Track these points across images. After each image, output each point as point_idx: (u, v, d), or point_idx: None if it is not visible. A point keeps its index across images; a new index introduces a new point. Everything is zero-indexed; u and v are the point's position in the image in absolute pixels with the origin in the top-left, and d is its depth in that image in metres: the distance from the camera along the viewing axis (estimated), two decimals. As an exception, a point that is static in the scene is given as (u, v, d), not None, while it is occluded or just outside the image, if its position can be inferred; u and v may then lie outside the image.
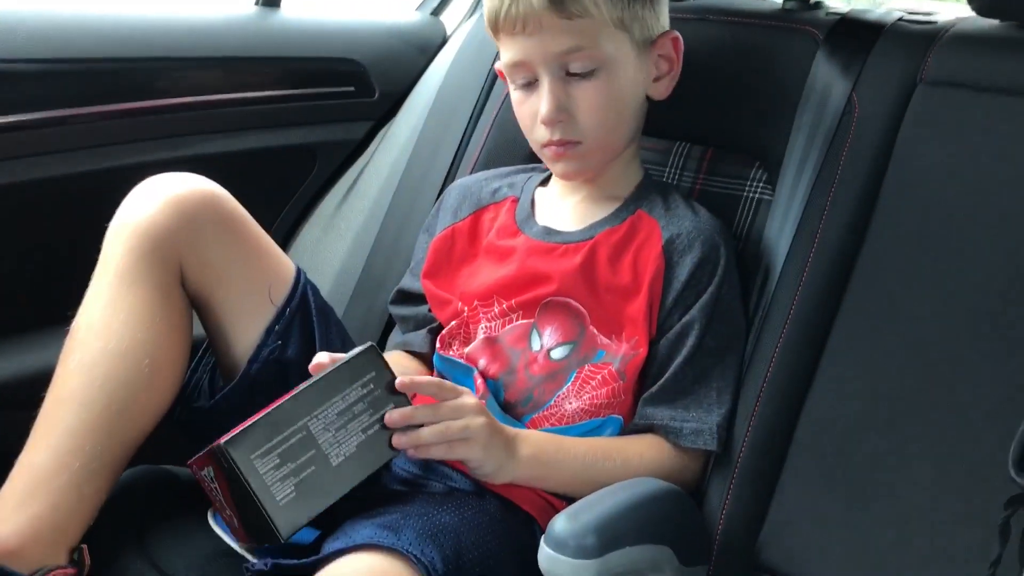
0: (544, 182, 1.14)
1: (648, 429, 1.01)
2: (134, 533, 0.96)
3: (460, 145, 1.30)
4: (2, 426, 0.94)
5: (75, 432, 0.90)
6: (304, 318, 1.03)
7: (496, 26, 1.02)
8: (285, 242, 1.43)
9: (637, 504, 0.88)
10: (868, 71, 1.05)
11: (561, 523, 0.82)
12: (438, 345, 1.10)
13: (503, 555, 0.90)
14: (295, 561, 0.85)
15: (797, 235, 1.03)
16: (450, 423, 0.90)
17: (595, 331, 1.03)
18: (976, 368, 0.91)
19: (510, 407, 1.03)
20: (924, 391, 0.93)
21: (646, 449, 1.00)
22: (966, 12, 1.06)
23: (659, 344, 1.02)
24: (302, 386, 0.87)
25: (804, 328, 0.99)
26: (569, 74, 1.01)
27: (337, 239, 1.37)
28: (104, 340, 0.93)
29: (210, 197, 0.99)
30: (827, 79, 1.07)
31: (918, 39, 1.05)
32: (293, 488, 0.84)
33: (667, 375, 1.01)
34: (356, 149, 1.47)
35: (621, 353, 1.02)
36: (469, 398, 0.93)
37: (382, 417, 0.89)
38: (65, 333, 0.95)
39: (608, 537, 0.82)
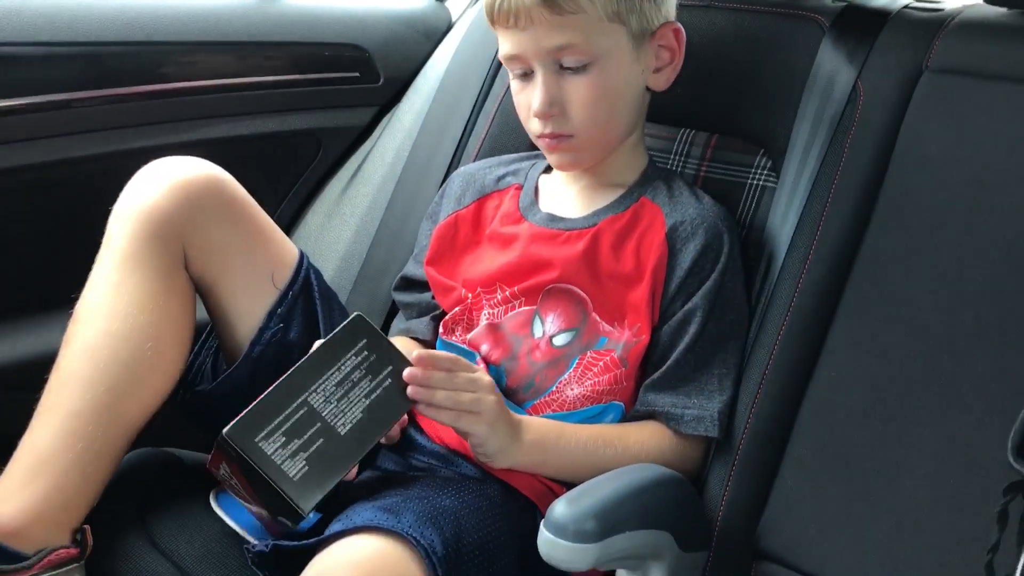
0: (548, 169, 1.14)
1: (649, 416, 1.02)
2: (136, 514, 0.96)
3: (464, 131, 1.30)
4: (6, 408, 0.94)
5: (78, 414, 0.90)
6: (307, 302, 1.03)
7: (492, 18, 1.02)
8: (289, 227, 1.44)
9: (637, 490, 0.88)
10: (873, 58, 1.05)
11: (561, 508, 0.83)
12: (441, 331, 1.11)
13: (503, 539, 0.90)
14: (296, 543, 0.86)
15: (800, 223, 1.03)
16: (462, 392, 0.90)
17: (597, 318, 1.03)
18: (977, 356, 0.90)
19: (512, 393, 1.04)
20: (925, 380, 0.92)
21: (647, 436, 1.00)
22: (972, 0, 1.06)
23: (661, 331, 1.02)
24: (296, 365, 0.88)
25: (806, 316, 0.99)
26: (563, 68, 1.01)
27: (341, 225, 1.37)
28: (107, 323, 0.93)
29: (214, 181, 0.99)
30: (832, 66, 1.07)
31: (924, 26, 1.04)
32: (305, 463, 0.84)
33: (669, 362, 1.01)
34: (361, 135, 1.47)
35: (623, 340, 1.02)
36: (484, 376, 0.94)
37: (383, 380, 0.90)
38: (68, 316, 0.95)
39: (608, 522, 0.83)
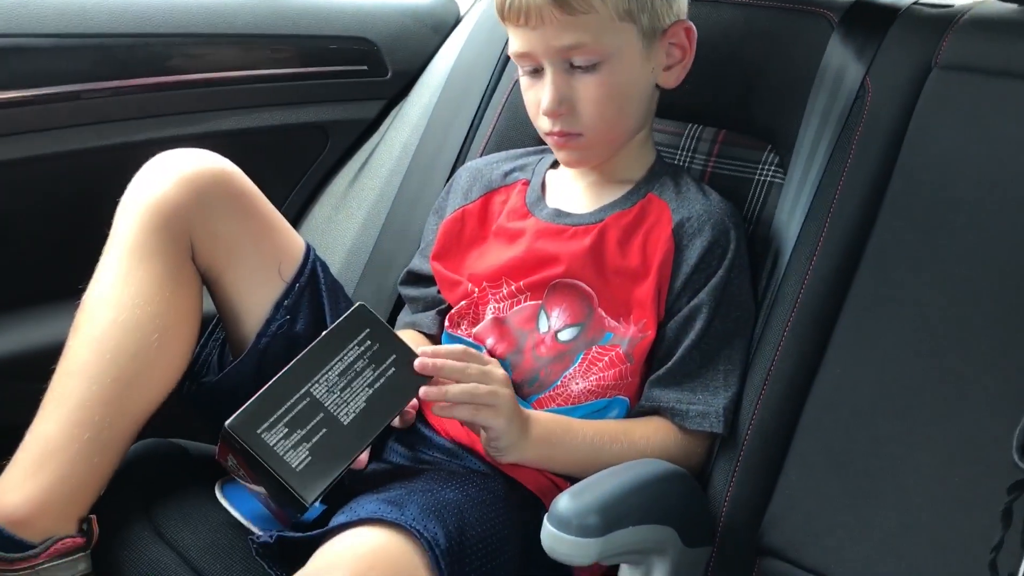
0: (555, 164, 1.14)
1: (654, 411, 1.02)
2: (142, 504, 0.97)
3: (472, 125, 1.30)
4: (13, 397, 0.95)
5: (85, 404, 0.91)
6: (313, 294, 1.04)
7: (502, 15, 1.02)
8: (296, 220, 1.44)
9: (641, 484, 0.89)
10: (882, 55, 1.04)
11: (564, 502, 0.83)
12: (446, 324, 1.11)
13: (506, 533, 0.90)
14: (300, 534, 0.86)
15: (807, 219, 1.03)
16: (478, 385, 0.90)
17: (603, 313, 1.03)
18: (983, 355, 0.90)
19: (516, 387, 1.03)
20: (930, 377, 0.92)
21: (652, 432, 1.00)
22: (983, -5, 1.05)
23: (667, 327, 1.02)
24: (299, 356, 0.88)
25: (812, 313, 0.99)
26: (573, 66, 1.01)
27: (348, 218, 1.38)
28: (114, 314, 0.93)
29: (221, 174, 0.99)
30: (841, 62, 1.06)
31: (934, 23, 1.04)
32: (308, 453, 0.85)
33: (674, 358, 1.01)
34: (368, 128, 1.47)
35: (629, 335, 1.02)
36: (498, 369, 0.94)
37: (386, 370, 0.90)
38: (76, 306, 0.95)
39: (611, 517, 0.83)
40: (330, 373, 0.88)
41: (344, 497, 0.90)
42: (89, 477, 0.91)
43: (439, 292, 1.14)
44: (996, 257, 0.93)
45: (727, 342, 1.01)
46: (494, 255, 1.09)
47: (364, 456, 0.96)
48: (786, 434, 0.98)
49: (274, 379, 0.87)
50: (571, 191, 1.11)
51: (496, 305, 1.07)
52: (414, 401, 0.93)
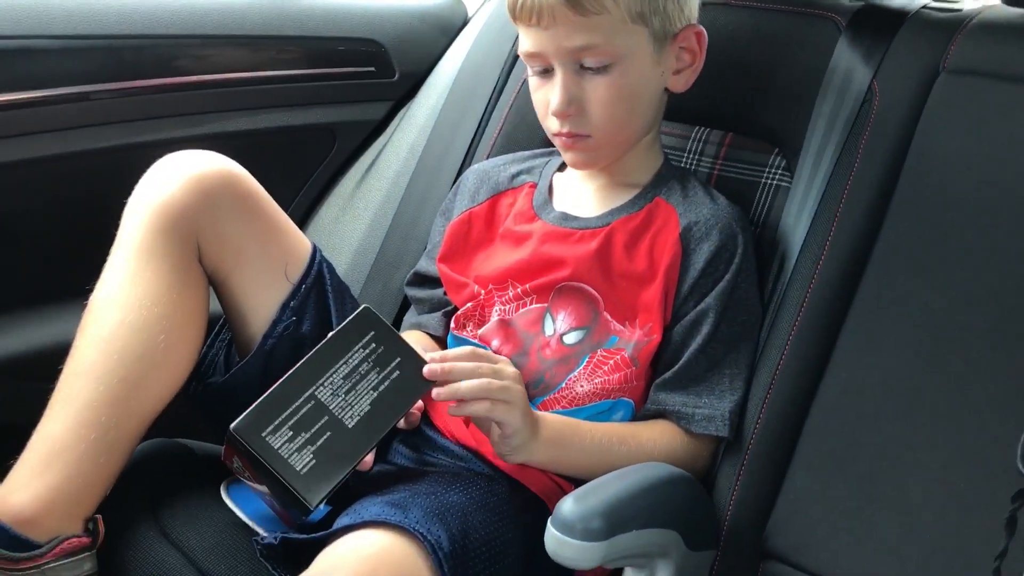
0: (562, 167, 1.14)
1: (660, 414, 1.02)
2: (147, 504, 0.97)
3: (479, 127, 1.30)
4: (21, 397, 0.95)
5: (91, 404, 0.91)
6: (319, 295, 1.04)
7: (514, 15, 1.02)
8: (303, 221, 1.44)
9: (645, 488, 0.89)
10: (890, 59, 1.04)
11: (568, 505, 0.83)
12: (452, 326, 1.11)
13: (510, 536, 0.90)
14: (304, 536, 0.86)
15: (814, 223, 1.03)
16: (491, 380, 0.90)
17: (609, 317, 1.03)
18: (989, 361, 0.90)
19: (522, 389, 1.04)
20: (936, 382, 0.92)
21: (659, 435, 1.00)
22: (991, 0, 1.05)
23: (673, 331, 1.02)
24: (304, 358, 0.88)
25: (818, 317, 0.99)
26: (583, 67, 1.01)
27: (355, 219, 1.38)
28: (121, 314, 0.93)
29: (228, 175, 0.99)
30: (848, 66, 1.06)
31: (942, 27, 1.03)
32: (312, 456, 0.85)
33: (681, 362, 1.01)
34: (375, 130, 1.47)
35: (634, 339, 1.02)
36: (509, 366, 0.94)
37: (391, 372, 0.90)
38: (83, 307, 0.96)
39: (615, 520, 0.83)
40: (335, 376, 0.88)
41: (349, 498, 0.90)
42: (95, 477, 0.91)
43: (445, 294, 1.14)
44: (1003, 262, 0.92)
45: (733, 346, 1.01)
46: (501, 257, 1.10)
47: (369, 458, 0.97)
48: (791, 438, 0.98)
49: (279, 382, 0.87)
50: (578, 194, 1.11)
51: (502, 307, 1.07)
52: (419, 403, 0.93)
